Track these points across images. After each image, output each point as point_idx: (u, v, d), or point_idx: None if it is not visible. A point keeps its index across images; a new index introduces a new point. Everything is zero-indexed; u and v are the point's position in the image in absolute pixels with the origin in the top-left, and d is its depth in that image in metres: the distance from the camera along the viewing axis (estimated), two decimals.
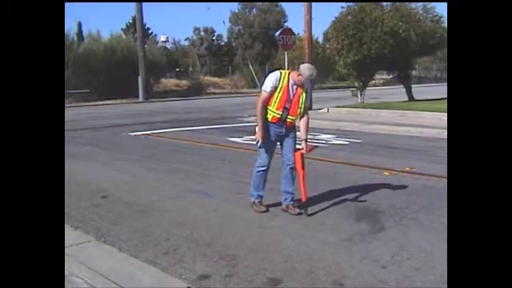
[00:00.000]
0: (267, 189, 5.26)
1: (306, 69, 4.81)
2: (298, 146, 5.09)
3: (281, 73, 4.88)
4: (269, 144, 5.01)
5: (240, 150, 9.36)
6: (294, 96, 4.86)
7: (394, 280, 3.42)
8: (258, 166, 5.08)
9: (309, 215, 4.91)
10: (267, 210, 5.08)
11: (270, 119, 4.90)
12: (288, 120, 4.92)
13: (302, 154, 4.95)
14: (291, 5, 61.06)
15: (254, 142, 5.07)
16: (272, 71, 5.00)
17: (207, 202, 5.53)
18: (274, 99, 4.84)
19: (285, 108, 4.85)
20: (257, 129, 4.93)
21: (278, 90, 4.81)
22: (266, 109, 4.88)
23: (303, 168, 4.95)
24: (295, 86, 4.85)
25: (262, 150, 5.05)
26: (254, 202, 5.13)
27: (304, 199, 4.95)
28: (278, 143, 5.09)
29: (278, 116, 4.87)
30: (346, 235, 4.35)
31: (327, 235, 4.37)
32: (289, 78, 4.84)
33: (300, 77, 4.78)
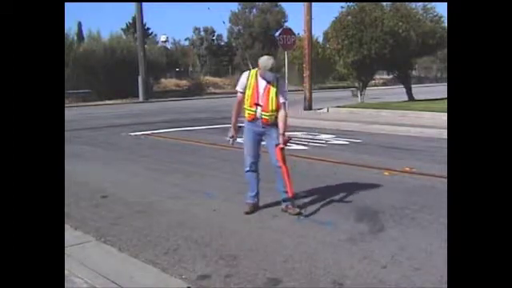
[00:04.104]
0: (267, 188, 5.26)
1: (261, 61, 4.86)
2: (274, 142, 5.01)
3: (250, 71, 5.00)
4: (249, 144, 5.08)
5: (240, 150, 9.33)
6: (264, 92, 4.90)
7: (393, 280, 3.42)
8: (245, 168, 5.16)
9: (306, 216, 4.89)
10: (253, 211, 5.07)
11: (246, 118, 5.04)
12: (263, 117, 4.94)
13: (281, 149, 4.93)
14: (291, 5, 61.13)
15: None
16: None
17: (207, 202, 5.53)
18: (246, 97, 4.96)
19: (256, 104, 4.92)
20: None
21: (248, 87, 4.92)
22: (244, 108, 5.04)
23: (285, 163, 4.90)
24: (265, 83, 4.88)
25: (245, 152, 5.13)
26: (247, 203, 5.16)
27: (291, 194, 4.92)
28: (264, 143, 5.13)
29: (252, 113, 4.96)
30: (346, 235, 4.35)
31: (327, 235, 4.37)
32: (257, 74, 4.91)
33: (260, 70, 4.85)
